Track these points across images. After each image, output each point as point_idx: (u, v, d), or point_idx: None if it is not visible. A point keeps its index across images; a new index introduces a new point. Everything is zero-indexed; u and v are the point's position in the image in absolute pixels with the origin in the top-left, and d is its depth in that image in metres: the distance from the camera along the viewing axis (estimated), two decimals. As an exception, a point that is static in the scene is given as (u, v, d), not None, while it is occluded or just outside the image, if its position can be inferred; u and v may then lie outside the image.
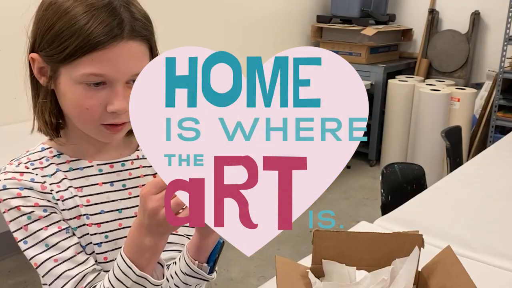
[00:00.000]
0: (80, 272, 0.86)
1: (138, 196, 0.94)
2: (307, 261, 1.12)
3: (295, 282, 1.00)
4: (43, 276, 0.86)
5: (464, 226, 1.58)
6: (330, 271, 1.05)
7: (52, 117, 0.88)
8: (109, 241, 0.92)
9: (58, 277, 0.85)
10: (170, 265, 0.99)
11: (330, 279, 1.04)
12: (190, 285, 0.94)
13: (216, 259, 0.93)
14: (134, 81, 0.82)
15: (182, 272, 0.92)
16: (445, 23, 4.52)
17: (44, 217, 0.86)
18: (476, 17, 4.30)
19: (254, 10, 4.04)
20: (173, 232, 0.97)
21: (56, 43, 0.81)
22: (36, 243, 0.85)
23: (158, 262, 0.85)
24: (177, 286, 0.94)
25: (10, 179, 0.86)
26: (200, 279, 0.92)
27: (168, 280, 0.95)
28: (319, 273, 1.06)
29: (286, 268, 1.03)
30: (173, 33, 3.31)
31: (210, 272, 0.93)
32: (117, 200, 0.94)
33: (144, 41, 0.84)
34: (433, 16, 4.49)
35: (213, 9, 3.69)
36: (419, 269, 1.07)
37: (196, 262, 0.91)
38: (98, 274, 0.88)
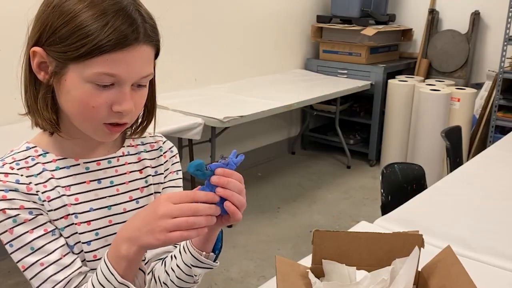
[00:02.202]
0: (65, 277, 0.86)
1: (126, 192, 0.96)
2: (307, 261, 1.12)
3: (295, 282, 1.01)
4: (30, 279, 0.86)
5: (464, 226, 1.58)
6: (330, 271, 1.05)
7: (52, 113, 0.88)
8: (100, 238, 0.92)
9: (45, 281, 0.85)
10: (165, 258, 0.99)
11: (330, 279, 1.05)
12: (195, 276, 0.94)
13: (221, 246, 0.95)
14: (139, 84, 0.86)
15: (187, 265, 0.93)
16: (445, 23, 4.52)
17: (30, 220, 0.85)
18: (476, 17, 4.30)
19: (255, 10, 4.04)
20: None
21: (70, 40, 0.80)
22: (22, 247, 0.85)
23: (141, 269, 0.86)
24: (179, 279, 0.95)
25: None
26: (208, 267, 0.93)
27: (168, 274, 0.96)
28: (319, 273, 1.06)
29: (286, 268, 1.03)
30: (174, 33, 3.31)
31: (215, 259, 0.95)
32: (105, 197, 0.94)
33: (154, 45, 0.87)
34: (433, 16, 4.49)
35: (214, 9, 3.69)
36: (419, 269, 1.07)
37: (204, 253, 0.92)
38: (84, 276, 0.88)
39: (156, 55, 0.89)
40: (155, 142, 1.04)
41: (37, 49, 0.84)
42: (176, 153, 1.06)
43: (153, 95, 0.97)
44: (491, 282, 1.28)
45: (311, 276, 1.02)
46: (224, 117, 2.94)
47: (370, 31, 4.16)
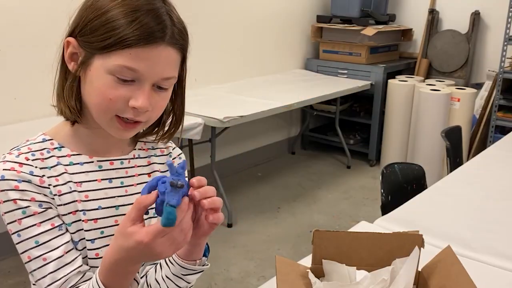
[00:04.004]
0: (64, 275, 0.87)
1: (133, 194, 0.97)
2: (307, 261, 1.13)
3: (295, 282, 1.01)
4: (31, 272, 0.88)
5: (464, 226, 1.58)
6: (330, 271, 1.05)
7: (77, 102, 0.90)
8: (104, 237, 0.93)
9: (45, 276, 0.86)
10: (156, 265, 1.00)
11: (330, 279, 1.05)
12: (189, 283, 0.95)
13: (208, 247, 0.95)
14: (159, 86, 0.87)
15: (176, 275, 0.94)
16: (445, 23, 4.52)
17: (39, 213, 0.87)
18: (476, 17, 4.30)
19: (255, 10, 4.04)
20: None
21: (100, 31, 0.84)
22: (27, 239, 0.86)
23: (134, 279, 0.86)
24: None
25: (9, 169, 0.86)
26: (200, 271, 0.94)
27: (158, 283, 0.96)
28: (319, 273, 1.06)
29: (286, 268, 1.03)
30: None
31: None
32: (114, 197, 0.95)
33: (180, 50, 0.88)
34: (433, 16, 4.49)
35: (214, 9, 3.69)
36: (419, 269, 1.07)
37: (198, 261, 0.92)
38: (83, 275, 0.89)
39: (183, 61, 0.91)
40: (165, 148, 1.06)
41: (70, 39, 0.88)
42: (184, 160, 1.07)
43: (182, 103, 0.98)
44: (491, 282, 1.28)
45: (311, 276, 1.02)
46: (224, 117, 2.94)
47: (370, 31, 4.16)
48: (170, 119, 0.99)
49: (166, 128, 0.99)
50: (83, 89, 0.89)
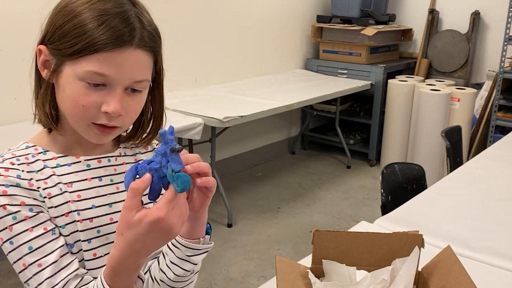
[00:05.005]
0: (62, 280, 0.85)
1: (125, 190, 0.95)
2: (307, 261, 1.13)
3: (295, 282, 1.01)
4: (26, 281, 0.85)
5: (464, 226, 1.58)
6: (330, 271, 1.05)
7: (52, 109, 0.89)
8: (101, 235, 0.92)
9: (42, 283, 0.84)
10: (157, 258, 0.99)
11: (330, 279, 1.05)
12: (196, 264, 0.93)
13: (210, 225, 0.94)
14: (133, 89, 0.86)
15: (182, 259, 0.92)
16: (445, 23, 4.52)
17: (30, 217, 0.84)
18: (476, 17, 4.30)
19: (255, 10, 4.04)
20: None
21: (67, 38, 0.83)
22: (20, 245, 0.84)
23: (139, 277, 0.85)
24: (176, 275, 0.93)
25: None
26: (205, 251, 0.93)
27: (164, 272, 0.94)
28: (319, 273, 1.06)
29: (286, 268, 1.03)
30: (174, 33, 3.31)
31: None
32: (106, 194, 0.94)
33: (150, 52, 0.87)
34: (433, 16, 4.49)
35: (214, 9, 3.69)
36: (419, 269, 1.08)
37: (201, 239, 0.90)
38: (81, 279, 0.87)
39: (156, 64, 0.90)
40: (149, 145, 1.06)
41: (41, 47, 0.87)
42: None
43: (161, 106, 0.98)
44: (491, 282, 1.28)
45: (311, 276, 1.02)
46: (224, 117, 2.94)
47: (370, 31, 4.16)
48: (151, 124, 0.98)
49: (145, 134, 0.99)
50: (58, 97, 0.88)
